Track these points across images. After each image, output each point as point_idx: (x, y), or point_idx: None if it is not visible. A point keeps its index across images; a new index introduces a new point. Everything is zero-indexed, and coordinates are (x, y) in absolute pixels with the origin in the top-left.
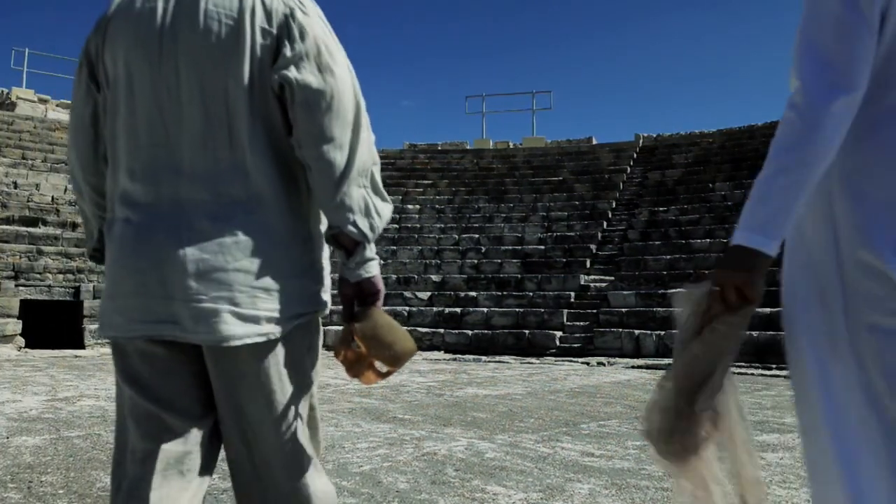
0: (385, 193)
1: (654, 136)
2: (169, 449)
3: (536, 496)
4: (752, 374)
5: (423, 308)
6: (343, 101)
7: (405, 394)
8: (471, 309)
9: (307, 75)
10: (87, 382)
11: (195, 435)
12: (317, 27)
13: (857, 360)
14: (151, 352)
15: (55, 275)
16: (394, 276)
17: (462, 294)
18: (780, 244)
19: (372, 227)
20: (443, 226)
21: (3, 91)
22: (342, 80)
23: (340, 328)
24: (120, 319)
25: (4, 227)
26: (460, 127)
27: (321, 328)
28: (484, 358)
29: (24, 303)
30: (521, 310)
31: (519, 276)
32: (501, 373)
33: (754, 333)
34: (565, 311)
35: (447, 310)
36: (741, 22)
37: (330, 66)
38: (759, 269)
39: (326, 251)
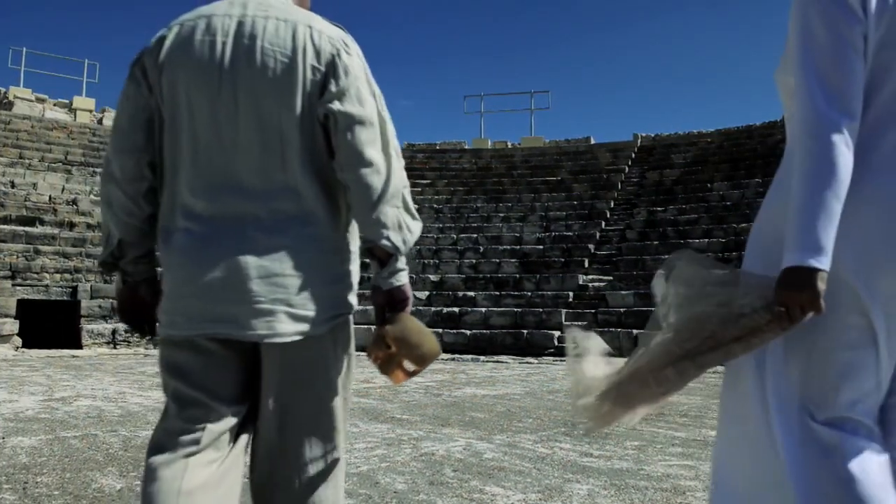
0: (415, 213)
1: (653, 135)
2: (204, 432)
3: (535, 497)
4: None
5: (421, 308)
6: (379, 133)
7: (403, 394)
8: (469, 309)
9: (350, 108)
10: (83, 382)
11: (231, 421)
12: (357, 66)
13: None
14: (206, 347)
15: (52, 274)
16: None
17: (460, 294)
18: (830, 258)
19: (404, 242)
20: (441, 225)
21: (0, 90)
22: (378, 112)
23: (370, 328)
24: (182, 319)
25: (1, 226)
26: (458, 126)
27: (352, 331)
28: (482, 358)
29: (21, 302)
30: (520, 310)
31: (517, 275)
32: (500, 373)
33: None
34: (564, 310)
35: (445, 309)
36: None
37: (368, 100)
38: (820, 284)
39: (357, 261)
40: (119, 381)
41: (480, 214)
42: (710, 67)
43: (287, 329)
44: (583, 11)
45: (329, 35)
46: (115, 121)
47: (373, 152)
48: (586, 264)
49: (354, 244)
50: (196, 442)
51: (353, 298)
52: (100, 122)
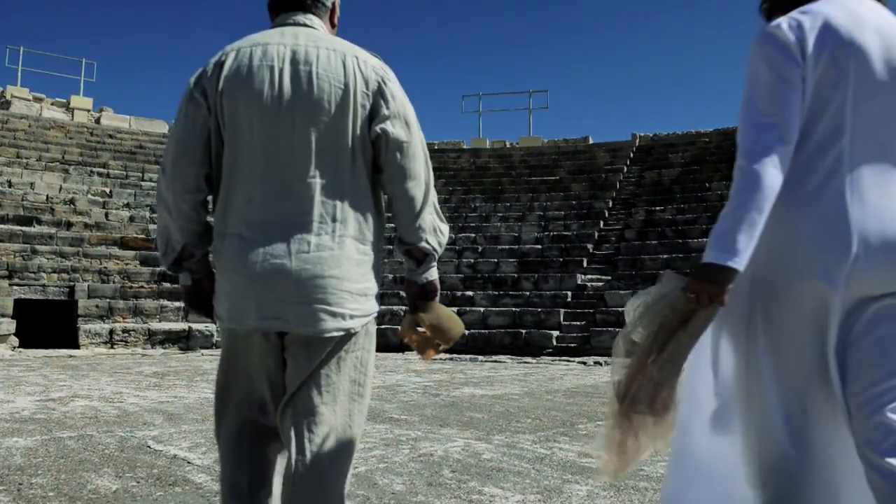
0: (443, 217)
1: (651, 135)
2: (266, 414)
3: (534, 498)
4: None
5: (445, 307)
6: (420, 150)
7: (401, 394)
8: (467, 308)
9: (398, 130)
10: (80, 382)
11: (274, 405)
12: (400, 91)
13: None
14: (262, 341)
15: (49, 274)
16: (390, 276)
17: (459, 293)
18: (745, 262)
19: (439, 244)
20: None
21: None
22: (419, 133)
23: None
24: (236, 315)
25: None
26: (457, 126)
27: (374, 333)
28: (480, 357)
29: (18, 302)
30: (518, 309)
31: (516, 275)
32: (498, 372)
33: None
34: (562, 310)
35: None
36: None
37: (413, 122)
38: (729, 281)
39: (380, 266)
40: (116, 381)
41: (479, 214)
42: (708, 67)
43: (327, 326)
44: (581, 11)
45: (373, 65)
46: (176, 138)
47: (417, 168)
48: (585, 264)
49: (381, 252)
50: (259, 424)
51: (378, 300)
52: (97, 121)
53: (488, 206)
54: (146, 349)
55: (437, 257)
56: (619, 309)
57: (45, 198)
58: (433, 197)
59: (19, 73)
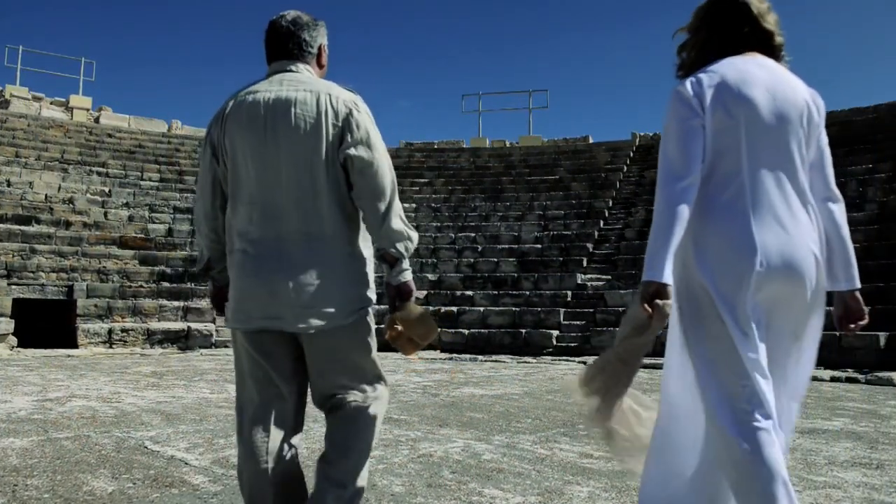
0: (411, 226)
1: (651, 134)
2: (274, 396)
3: (534, 499)
4: None
5: (418, 307)
6: (382, 168)
7: (401, 394)
8: (467, 308)
9: (362, 152)
10: (78, 382)
11: (289, 390)
12: (366, 120)
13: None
14: (261, 338)
15: (48, 273)
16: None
17: (458, 293)
18: (668, 275)
19: (406, 249)
20: (439, 224)
21: None
22: (382, 154)
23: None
24: (242, 316)
25: None
26: (456, 125)
27: (373, 322)
28: (480, 357)
29: (16, 301)
30: (518, 309)
31: (515, 275)
32: (498, 372)
33: None
34: (562, 310)
35: (443, 309)
36: None
37: (375, 145)
38: (658, 291)
39: (371, 265)
40: (114, 381)
41: (478, 213)
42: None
43: (317, 323)
44: (581, 10)
45: (343, 99)
46: (199, 175)
47: (380, 185)
48: (585, 263)
49: (368, 252)
50: (268, 411)
51: (371, 294)
52: (96, 120)
53: (488, 205)
54: (145, 349)
55: (405, 261)
56: (620, 309)
57: (43, 197)
58: (397, 208)
59: (18, 72)
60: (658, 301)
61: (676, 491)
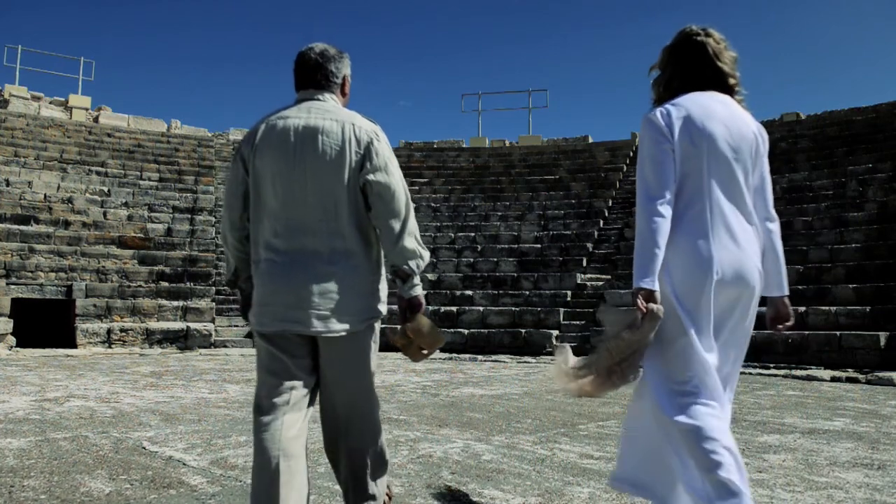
0: (423, 245)
1: None
2: (291, 395)
3: (535, 500)
4: (750, 374)
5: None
6: (399, 193)
7: (400, 394)
8: (467, 308)
9: (380, 178)
10: (76, 382)
11: (306, 383)
12: (385, 148)
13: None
14: (285, 338)
15: (47, 273)
16: (389, 276)
17: (458, 293)
18: (655, 281)
19: (418, 266)
20: (438, 224)
21: None
22: (399, 180)
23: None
24: (267, 320)
25: None
26: (456, 125)
27: (379, 329)
28: (480, 357)
29: (15, 301)
30: (518, 309)
31: (515, 274)
32: (498, 372)
33: (752, 332)
34: (562, 309)
35: (443, 309)
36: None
37: (392, 172)
38: (648, 295)
39: (384, 279)
40: (113, 380)
41: (478, 213)
42: None
43: (335, 328)
44: (581, 10)
45: (365, 129)
46: (225, 190)
47: (396, 208)
48: (584, 263)
49: (381, 268)
50: (286, 402)
51: (381, 307)
52: (95, 120)
53: (488, 205)
54: (144, 349)
55: (416, 277)
56: (621, 309)
57: (42, 196)
58: (412, 227)
59: (17, 72)
60: (651, 305)
61: (646, 468)
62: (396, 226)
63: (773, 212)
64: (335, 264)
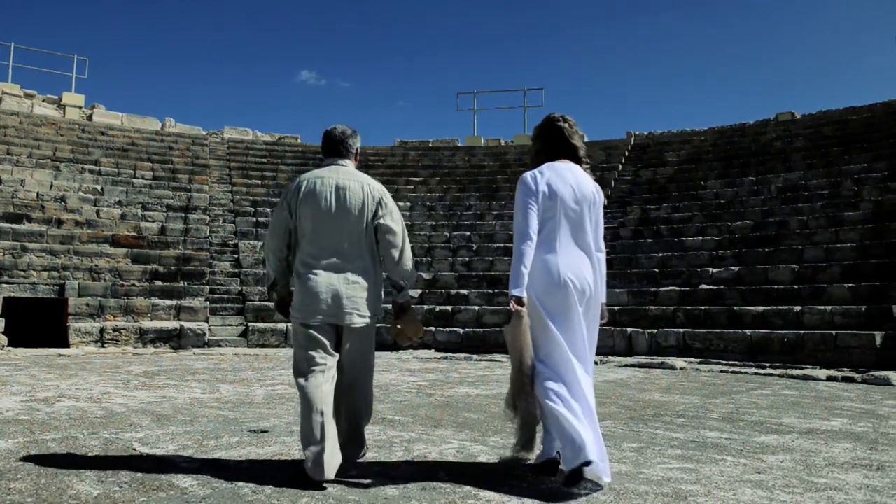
0: (414, 264)
1: (646, 133)
2: (325, 363)
3: (531, 502)
4: (746, 373)
5: (413, 306)
6: (399, 231)
7: (395, 394)
8: (462, 307)
9: (388, 222)
10: (68, 382)
11: (334, 360)
12: (390, 201)
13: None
14: (321, 328)
15: (39, 272)
16: (384, 274)
17: (453, 292)
18: (523, 290)
19: (409, 280)
20: (434, 223)
21: None
22: (399, 222)
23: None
24: (310, 315)
25: None
26: (451, 124)
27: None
28: (475, 356)
29: (7, 300)
30: None
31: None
32: (493, 371)
33: (748, 332)
34: None
35: (438, 308)
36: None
37: (395, 218)
38: (518, 300)
39: (381, 290)
40: (105, 380)
41: (473, 212)
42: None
43: (357, 321)
44: (577, 8)
45: (377, 188)
46: (272, 224)
47: (396, 241)
48: None
49: (382, 281)
50: (322, 369)
51: (379, 306)
52: (89, 118)
53: (483, 204)
54: (137, 348)
55: (409, 288)
56: (615, 307)
57: (35, 195)
58: (408, 254)
59: (10, 70)
60: (518, 307)
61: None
62: (396, 253)
63: (602, 245)
64: (357, 276)
